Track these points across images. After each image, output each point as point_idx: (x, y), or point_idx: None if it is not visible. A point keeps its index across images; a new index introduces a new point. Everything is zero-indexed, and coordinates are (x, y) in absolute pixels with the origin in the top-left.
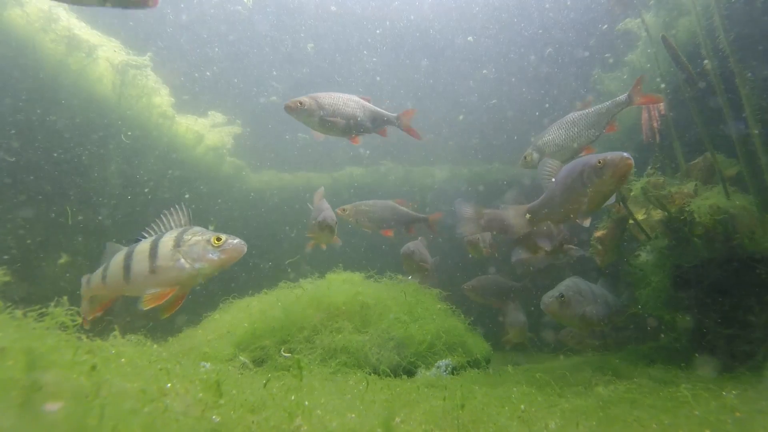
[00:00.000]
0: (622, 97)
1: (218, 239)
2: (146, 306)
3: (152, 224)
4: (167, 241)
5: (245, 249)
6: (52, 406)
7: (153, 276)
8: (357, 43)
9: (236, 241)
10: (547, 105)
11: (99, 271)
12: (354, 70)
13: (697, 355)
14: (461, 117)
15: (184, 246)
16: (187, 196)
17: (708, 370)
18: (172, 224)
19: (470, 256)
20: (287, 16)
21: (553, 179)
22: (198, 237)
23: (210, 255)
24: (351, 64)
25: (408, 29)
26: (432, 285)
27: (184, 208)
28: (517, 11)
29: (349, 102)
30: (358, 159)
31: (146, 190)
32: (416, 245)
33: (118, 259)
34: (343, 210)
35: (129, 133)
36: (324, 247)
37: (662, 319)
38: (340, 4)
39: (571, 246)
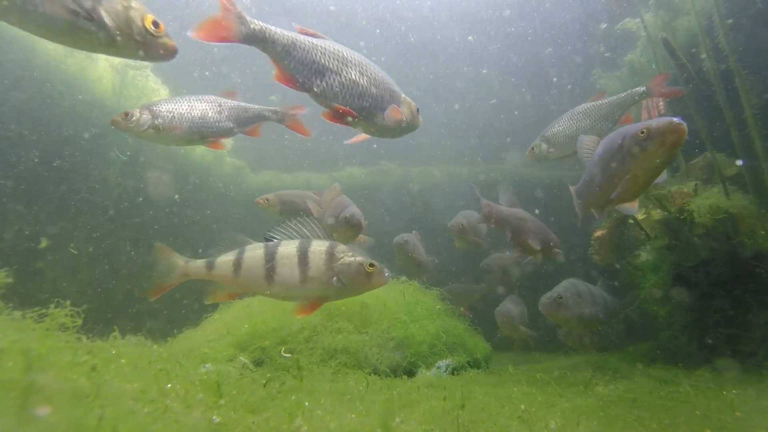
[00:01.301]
0: (640, 88)
1: (371, 265)
2: (301, 314)
3: (277, 227)
4: (318, 253)
5: (389, 281)
6: (44, 410)
7: (302, 286)
8: (356, 43)
9: (387, 272)
10: (552, 105)
11: (225, 260)
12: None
13: (710, 355)
14: (457, 106)
15: (337, 263)
16: (177, 197)
17: (727, 369)
18: (306, 232)
19: (457, 246)
20: (287, 15)
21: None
22: (352, 258)
23: (362, 279)
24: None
25: (408, 29)
26: (427, 279)
27: (314, 220)
28: (517, 11)
29: (197, 103)
30: (357, 159)
31: (145, 190)
32: (410, 236)
33: (257, 257)
34: (266, 200)
35: (128, 153)
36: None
37: (662, 318)
38: (340, 3)
39: (558, 250)
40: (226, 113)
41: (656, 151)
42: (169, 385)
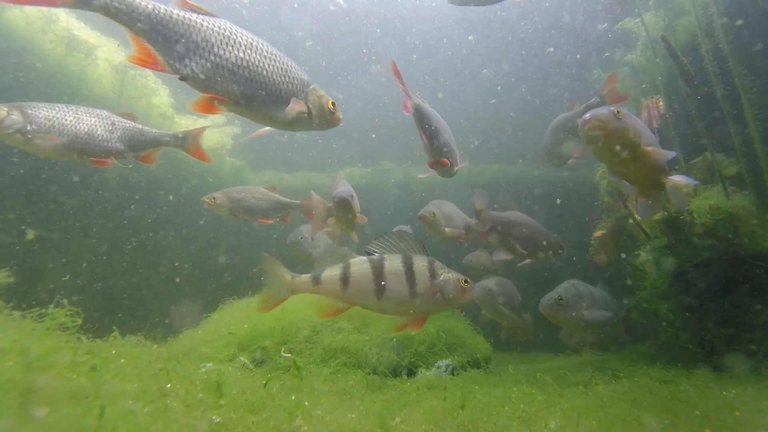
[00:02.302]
0: (594, 99)
1: (466, 281)
2: (415, 329)
3: (376, 241)
4: (422, 269)
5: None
6: (44, 410)
7: (411, 301)
8: (356, 42)
9: (477, 289)
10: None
11: (332, 275)
12: (353, 68)
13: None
14: (440, 95)
15: (439, 279)
16: (170, 197)
17: (735, 365)
18: (403, 247)
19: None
20: (286, 14)
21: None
22: (451, 275)
23: (460, 294)
24: (350, 61)
25: (408, 28)
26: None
27: (412, 236)
28: (517, 10)
29: (86, 117)
30: (358, 159)
31: (145, 190)
32: (407, 230)
33: (364, 272)
34: (213, 198)
35: (130, 166)
36: (353, 236)
37: (662, 318)
38: (339, 2)
39: (559, 252)
40: (118, 133)
41: (587, 140)
42: (169, 385)
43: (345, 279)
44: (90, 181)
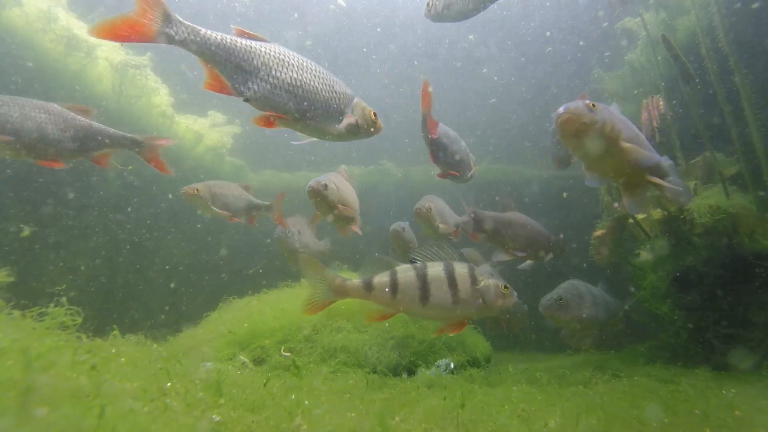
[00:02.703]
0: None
1: (506, 287)
2: (452, 333)
3: (419, 250)
4: (463, 276)
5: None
6: (44, 409)
7: (454, 307)
8: (357, 40)
9: (516, 297)
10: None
11: (382, 281)
12: (353, 67)
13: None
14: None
15: (479, 285)
16: (170, 196)
17: (741, 361)
18: (443, 255)
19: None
20: (285, 12)
21: None
22: (491, 281)
23: (499, 300)
24: (350, 61)
25: (408, 27)
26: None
27: (450, 244)
28: (517, 9)
29: (34, 113)
30: (358, 158)
31: (146, 191)
32: (406, 225)
33: (411, 280)
34: (196, 190)
35: (130, 167)
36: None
37: (662, 318)
38: (340, 3)
39: (559, 251)
40: (71, 132)
41: (560, 135)
42: (169, 384)
43: (394, 286)
44: (89, 179)
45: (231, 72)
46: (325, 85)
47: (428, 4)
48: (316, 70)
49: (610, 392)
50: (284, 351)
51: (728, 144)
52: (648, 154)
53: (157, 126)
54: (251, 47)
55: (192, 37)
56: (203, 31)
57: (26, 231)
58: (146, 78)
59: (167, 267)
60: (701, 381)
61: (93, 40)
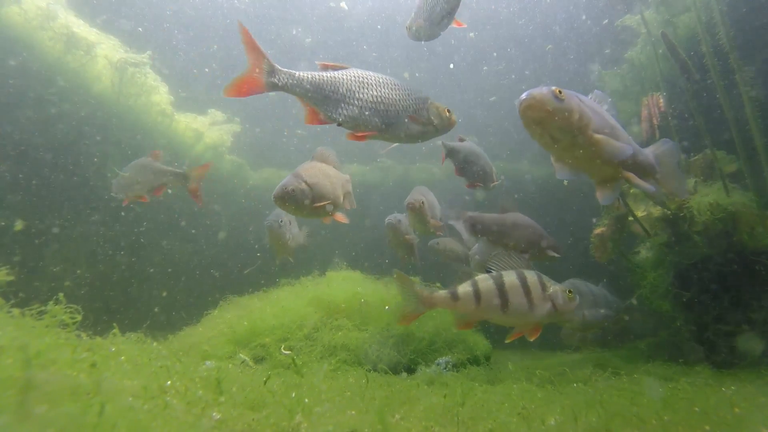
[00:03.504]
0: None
1: (570, 292)
2: (532, 337)
3: (493, 260)
4: (534, 283)
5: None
6: (44, 407)
7: (530, 313)
8: (357, 38)
9: (577, 301)
10: None
11: (466, 291)
12: (353, 65)
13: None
14: (416, 74)
15: (549, 291)
16: (170, 191)
17: (752, 347)
18: (513, 264)
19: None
20: (285, 11)
21: None
22: (557, 287)
23: (567, 304)
24: (350, 59)
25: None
26: (415, 264)
27: (518, 255)
28: (517, 8)
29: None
30: (357, 157)
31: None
32: (402, 217)
33: (490, 289)
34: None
35: (126, 174)
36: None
37: (662, 316)
38: (343, 7)
39: (552, 253)
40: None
41: (523, 123)
42: (169, 382)
43: (477, 296)
44: (87, 177)
45: (322, 102)
46: (402, 94)
47: (407, 27)
48: (392, 84)
49: (610, 390)
50: (284, 349)
51: (729, 141)
52: (621, 145)
53: (156, 124)
54: (335, 77)
55: (290, 81)
56: (297, 73)
57: (19, 225)
58: (146, 76)
59: (168, 267)
60: (701, 378)
61: (92, 38)
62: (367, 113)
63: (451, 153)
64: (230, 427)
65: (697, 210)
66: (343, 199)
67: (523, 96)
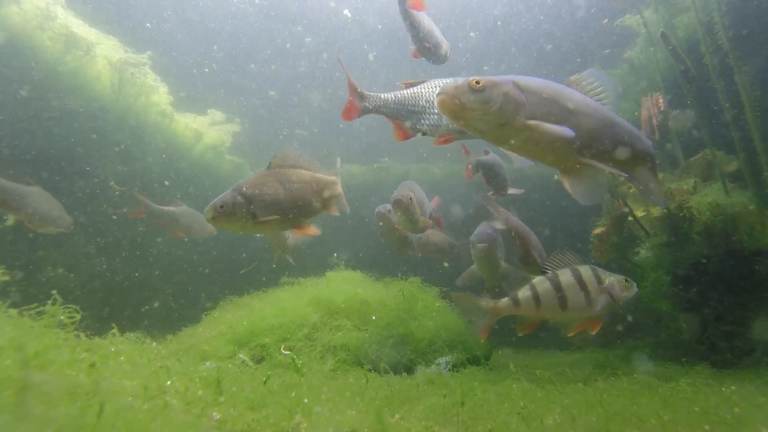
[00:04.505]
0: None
1: (627, 280)
2: (594, 331)
3: (548, 261)
4: (589, 277)
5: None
6: (43, 407)
7: (588, 307)
8: (357, 37)
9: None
10: None
11: (526, 296)
12: (354, 64)
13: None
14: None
15: (605, 284)
16: (167, 183)
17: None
18: (567, 262)
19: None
20: (285, 10)
21: None
22: (613, 278)
23: (625, 293)
24: (350, 59)
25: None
26: (412, 257)
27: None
28: (518, 7)
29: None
30: (357, 157)
31: (145, 190)
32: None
33: (548, 290)
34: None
35: (125, 190)
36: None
37: (662, 315)
38: (347, 14)
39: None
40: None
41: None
42: (168, 382)
43: (537, 298)
44: (89, 179)
45: (406, 116)
46: None
47: (446, 52)
48: None
49: (609, 389)
50: (284, 349)
51: (728, 141)
52: (558, 128)
53: (156, 124)
54: (414, 92)
55: (378, 102)
56: (383, 95)
57: (10, 220)
58: (145, 76)
59: (168, 267)
60: (701, 378)
61: (92, 38)
62: (445, 120)
63: (481, 166)
64: (230, 426)
65: (696, 210)
66: (328, 205)
67: (438, 90)
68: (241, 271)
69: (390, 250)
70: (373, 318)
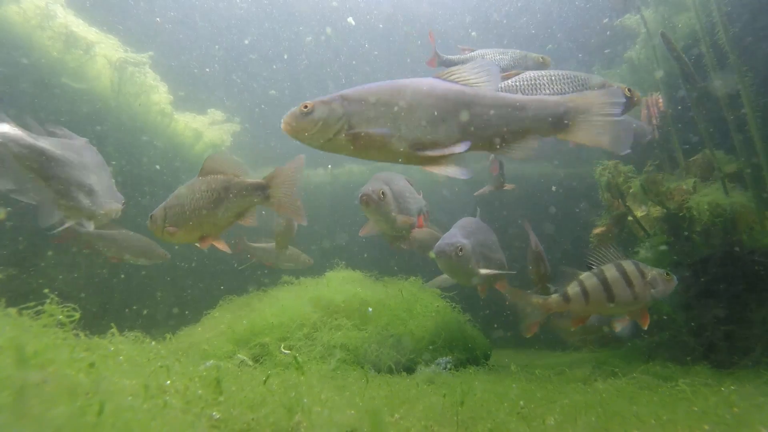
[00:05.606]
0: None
1: (668, 274)
2: (644, 324)
3: (591, 256)
4: (633, 272)
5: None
6: (42, 406)
7: (635, 301)
8: (357, 37)
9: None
10: None
11: (575, 292)
12: (354, 64)
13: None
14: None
15: (649, 277)
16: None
17: (742, 360)
18: (611, 257)
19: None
20: (285, 9)
21: None
22: (654, 271)
23: (667, 285)
24: (351, 58)
25: (410, 24)
26: (410, 251)
27: (616, 247)
28: (518, 6)
29: None
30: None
31: (145, 189)
32: (387, 189)
33: (596, 286)
34: None
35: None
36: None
37: (661, 315)
38: (350, 21)
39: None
40: None
41: None
42: (168, 382)
43: (585, 294)
44: None
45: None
46: (572, 82)
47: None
48: (562, 75)
49: (609, 389)
50: (284, 348)
51: (728, 141)
52: (375, 131)
53: (155, 124)
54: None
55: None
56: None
57: (2, 214)
58: (145, 75)
59: (167, 267)
60: (700, 378)
61: (92, 37)
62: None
63: (499, 161)
64: (230, 426)
65: (696, 210)
66: (246, 214)
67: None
68: (240, 267)
69: (390, 250)
70: (369, 310)
